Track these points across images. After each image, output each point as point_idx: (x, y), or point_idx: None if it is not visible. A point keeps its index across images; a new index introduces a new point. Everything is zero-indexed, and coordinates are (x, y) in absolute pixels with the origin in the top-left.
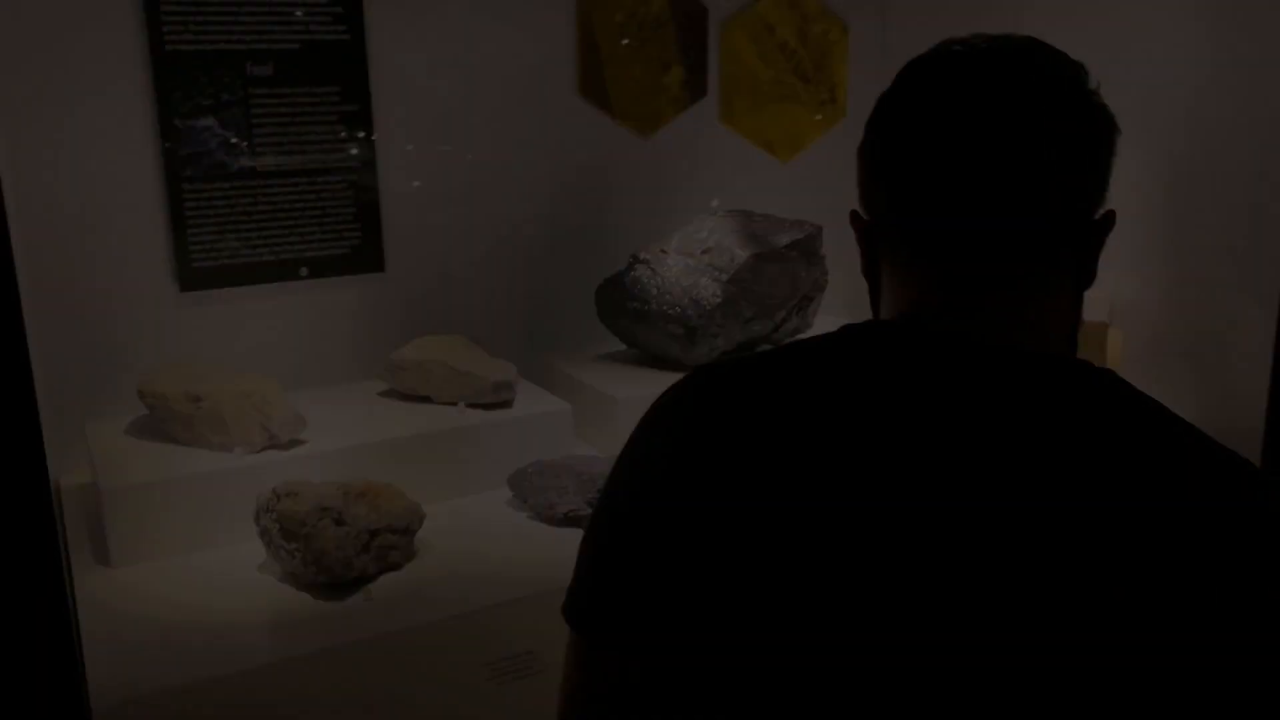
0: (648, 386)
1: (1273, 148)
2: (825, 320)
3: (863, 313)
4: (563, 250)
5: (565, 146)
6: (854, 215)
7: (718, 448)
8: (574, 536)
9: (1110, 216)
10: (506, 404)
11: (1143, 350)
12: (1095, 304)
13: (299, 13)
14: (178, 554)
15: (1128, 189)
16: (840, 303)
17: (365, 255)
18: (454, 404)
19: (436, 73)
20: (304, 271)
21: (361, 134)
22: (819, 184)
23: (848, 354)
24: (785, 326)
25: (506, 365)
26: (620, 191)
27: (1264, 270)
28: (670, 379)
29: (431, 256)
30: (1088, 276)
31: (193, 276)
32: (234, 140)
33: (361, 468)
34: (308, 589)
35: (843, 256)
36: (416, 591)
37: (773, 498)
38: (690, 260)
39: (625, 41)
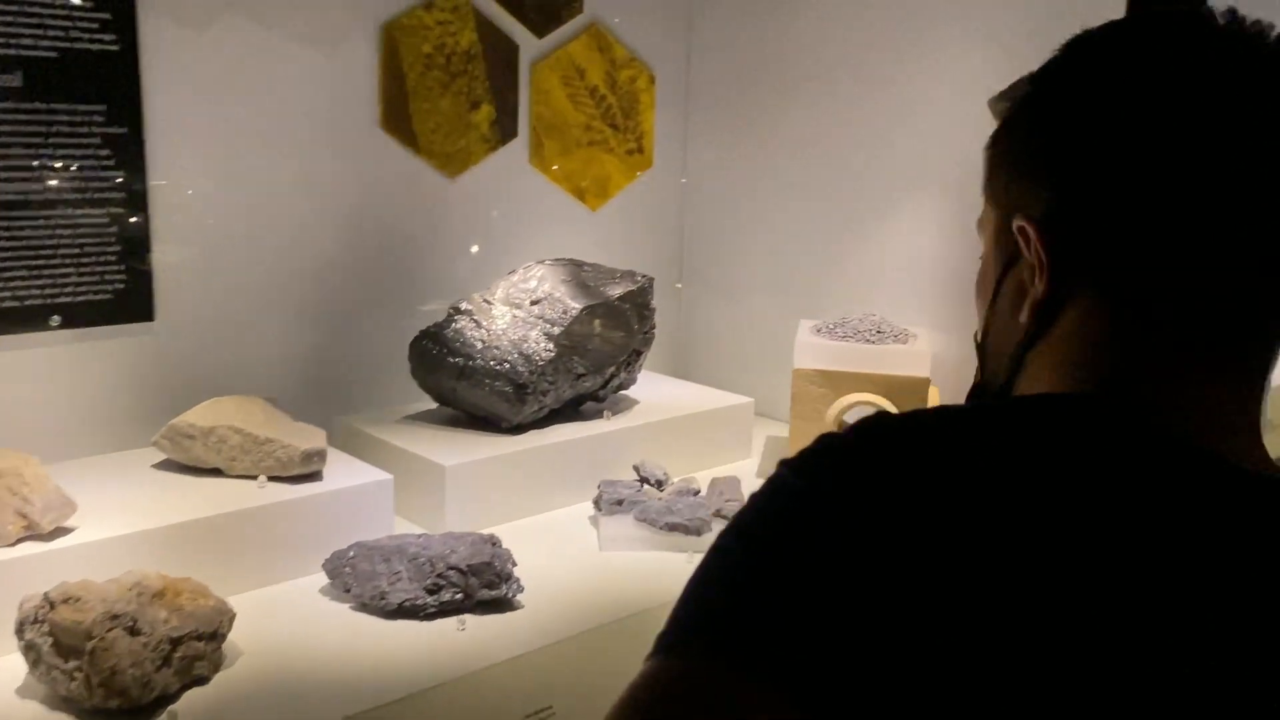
0: (475, 451)
1: None
2: (649, 377)
3: (686, 370)
4: (362, 299)
5: (366, 184)
6: (1031, 227)
7: (956, 522)
8: (413, 631)
9: None
10: (315, 476)
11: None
12: (918, 360)
13: (57, 15)
14: None
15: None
16: (662, 356)
17: (131, 302)
18: (252, 477)
19: (222, 94)
20: (55, 320)
21: (130, 160)
22: (628, 233)
23: (1088, 447)
24: (613, 382)
25: (316, 431)
26: (425, 236)
27: None
28: (497, 442)
29: (210, 304)
30: None
31: None
32: None
33: (144, 559)
34: (92, 717)
35: (660, 311)
36: (229, 709)
37: (1039, 607)
38: (518, 312)
39: (433, 74)
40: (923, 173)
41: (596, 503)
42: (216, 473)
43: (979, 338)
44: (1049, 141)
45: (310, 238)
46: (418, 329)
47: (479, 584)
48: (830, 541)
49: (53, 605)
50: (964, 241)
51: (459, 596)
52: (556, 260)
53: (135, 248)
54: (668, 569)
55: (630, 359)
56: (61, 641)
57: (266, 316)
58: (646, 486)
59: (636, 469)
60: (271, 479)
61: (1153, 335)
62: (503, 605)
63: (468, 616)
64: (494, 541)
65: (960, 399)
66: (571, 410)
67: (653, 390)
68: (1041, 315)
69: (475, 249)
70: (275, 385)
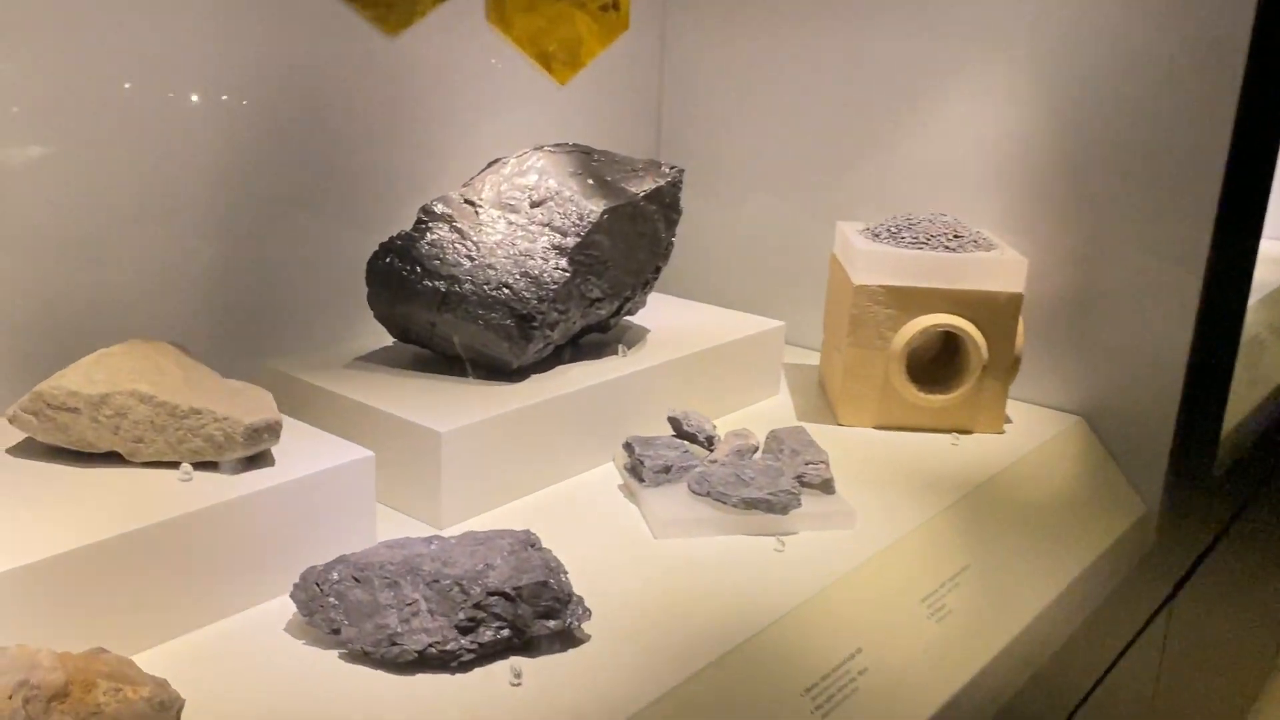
0: (471, 408)
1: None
2: (659, 300)
3: (671, 286)
4: (277, 199)
5: (280, 43)
6: None
7: None
8: (446, 690)
9: None
10: (263, 459)
11: (1051, 319)
12: (1011, 271)
13: None
14: None
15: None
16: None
17: None
18: (171, 465)
19: None
20: None
21: None
22: (600, 114)
23: None
24: (625, 309)
25: (259, 393)
26: (361, 112)
27: (1177, 229)
28: (496, 395)
29: (67, 209)
30: None
31: None
32: None
33: (19, 622)
34: None
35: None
36: None
37: None
38: (515, 217)
39: None
40: (988, 34)
41: (633, 470)
42: (114, 459)
43: None
44: None
45: (204, 117)
46: (356, 238)
47: (532, 613)
48: None
49: None
50: (1044, 122)
51: (505, 634)
52: (558, 146)
53: None
54: (753, 561)
55: (651, 278)
56: None
57: (146, 226)
58: (691, 444)
59: (675, 421)
60: (198, 467)
61: None
62: (565, 640)
63: (520, 660)
64: (533, 543)
65: (1049, 320)
66: (571, 345)
67: (660, 316)
68: None
69: (435, 131)
70: (167, 322)
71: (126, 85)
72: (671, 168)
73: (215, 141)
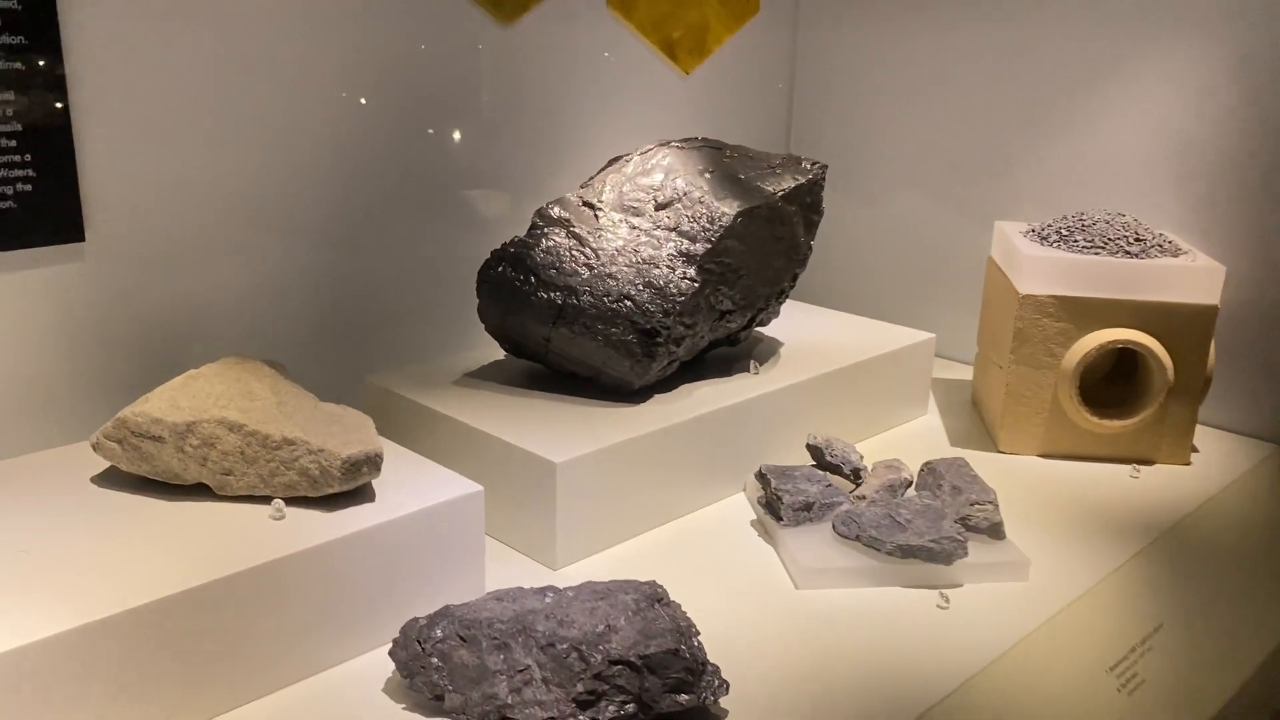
0: (589, 435)
1: None
2: (792, 308)
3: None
4: (385, 205)
5: (387, 36)
6: None
7: None
8: None
9: None
10: (363, 494)
11: (1243, 333)
12: (1205, 280)
13: None
14: None
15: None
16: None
17: (45, 212)
18: (262, 500)
19: None
20: None
21: (40, 16)
22: (726, 106)
23: None
24: (756, 321)
25: (360, 420)
26: (472, 108)
27: None
28: (615, 417)
29: (165, 218)
30: None
31: None
32: None
33: (90, 680)
34: None
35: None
36: None
37: None
38: (638, 221)
39: None
40: (1174, 13)
41: (769, 506)
42: (203, 491)
43: None
44: None
45: (308, 118)
46: (469, 244)
47: (661, 686)
48: None
49: None
50: (1239, 111)
51: (630, 709)
52: (686, 141)
53: (50, 137)
54: (913, 620)
55: (788, 286)
56: None
57: (246, 233)
58: (834, 476)
59: (816, 450)
60: (291, 503)
61: None
62: (698, 717)
63: None
64: (660, 597)
65: (1240, 334)
66: (695, 360)
67: (794, 326)
68: None
69: (545, 125)
70: (269, 331)
71: (229, 95)
72: (813, 163)
73: (316, 144)
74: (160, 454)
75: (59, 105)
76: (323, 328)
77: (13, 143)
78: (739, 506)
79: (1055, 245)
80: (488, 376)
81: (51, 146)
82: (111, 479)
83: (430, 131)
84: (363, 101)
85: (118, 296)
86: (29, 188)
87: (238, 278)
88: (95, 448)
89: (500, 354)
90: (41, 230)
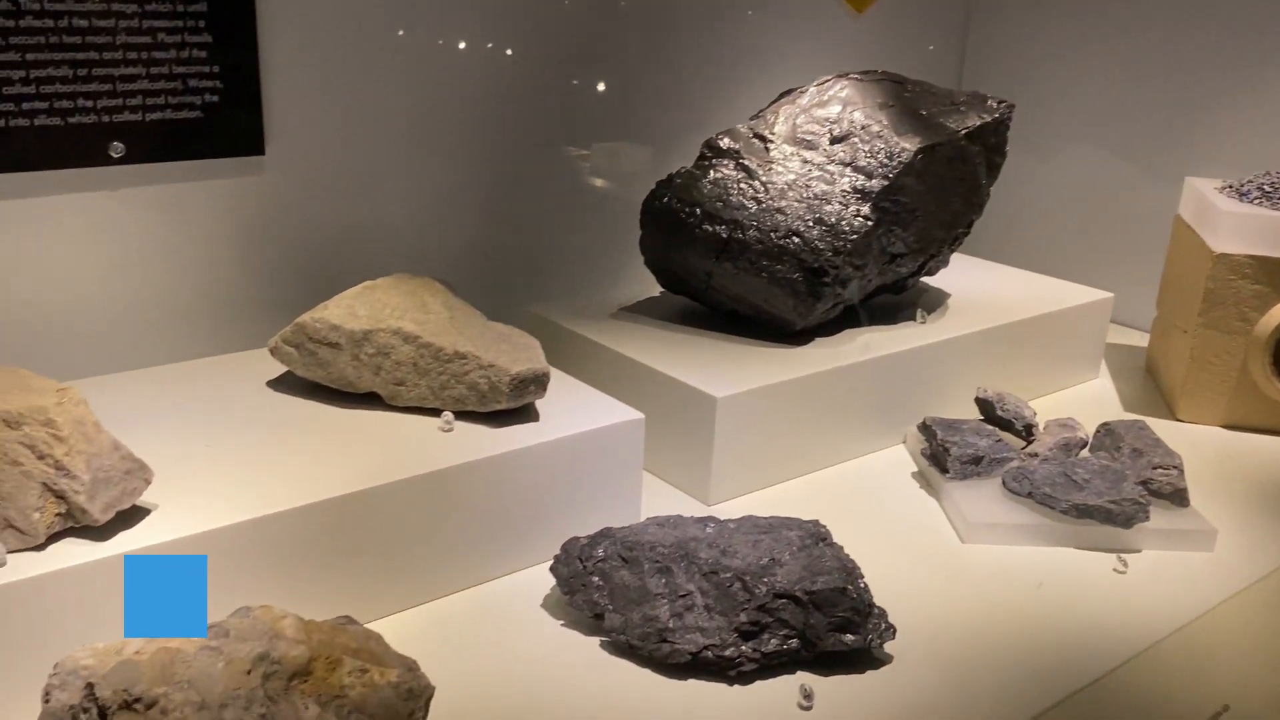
0: (749, 372)
1: None
2: (960, 261)
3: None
4: (546, 132)
5: None
6: None
7: None
8: (721, 702)
9: None
10: (527, 413)
11: None
12: None
13: None
14: None
15: None
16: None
17: (229, 127)
18: (430, 412)
19: None
20: (117, 149)
21: None
22: (898, 49)
23: None
24: (925, 268)
25: (527, 341)
26: (640, 39)
27: None
28: (776, 358)
29: (345, 134)
30: None
31: None
32: None
33: (260, 570)
34: None
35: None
36: None
37: None
38: (812, 155)
39: None
40: None
41: (934, 458)
42: (373, 400)
43: None
44: None
45: (473, 56)
46: (632, 177)
47: (826, 624)
48: None
49: (104, 713)
50: None
51: (793, 644)
52: (866, 74)
53: (235, 52)
54: (1088, 582)
55: (962, 233)
56: None
57: (413, 162)
58: (1004, 432)
59: (986, 404)
60: (459, 415)
61: None
62: (862, 659)
63: (810, 678)
64: (824, 537)
65: None
66: (861, 307)
67: (962, 279)
68: None
69: (707, 56)
70: (425, 260)
71: (400, 32)
72: (999, 102)
73: (484, 77)
74: (336, 361)
75: (247, 21)
76: (482, 257)
77: (202, 54)
78: (898, 458)
79: (1256, 202)
80: (644, 311)
81: (239, 60)
82: (286, 384)
83: (597, 63)
84: (519, 40)
85: (291, 212)
86: (215, 99)
87: (403, 203)
88: (273, 352)
89: (655, 290)
90: (225, 142)
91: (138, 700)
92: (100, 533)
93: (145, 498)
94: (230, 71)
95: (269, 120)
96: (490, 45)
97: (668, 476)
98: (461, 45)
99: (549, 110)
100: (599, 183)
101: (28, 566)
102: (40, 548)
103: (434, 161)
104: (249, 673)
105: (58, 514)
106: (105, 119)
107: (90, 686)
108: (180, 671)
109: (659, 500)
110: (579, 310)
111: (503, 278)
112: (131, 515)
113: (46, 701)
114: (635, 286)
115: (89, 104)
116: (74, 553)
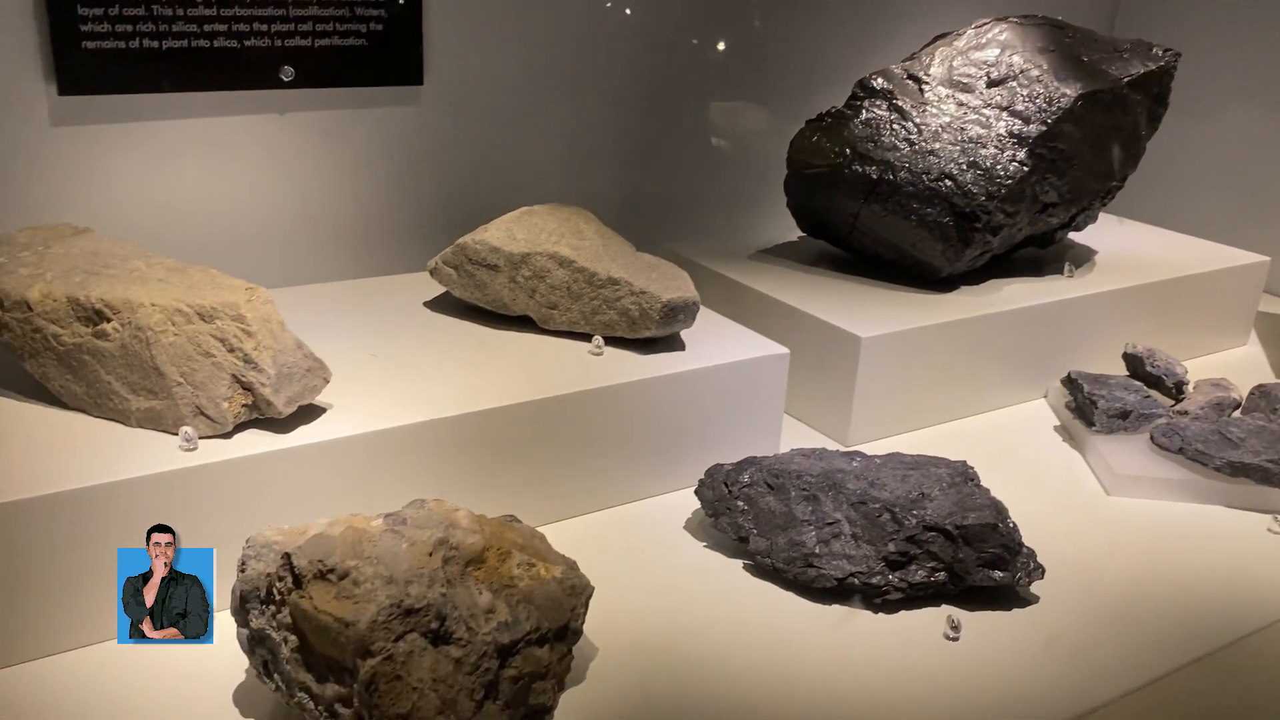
0: (893, 315)
1: None
2: (1107, 220)
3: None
4: (691, 81)
5: None
6: None
7: None
8: (866, 629)
9: None
10: (673, 342)
11: None
12: None
13: None
14: (43, 654)
15: None
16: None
17: (391, 56)
18: (581, 337)
19: None
20: (287, 73)
21: None
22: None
23: None
24: (1075, 222)
25: (676, 273)
26: None
27: None
28: (921, 303)
29: (492, 75)
30: None
31: (80, 70)
32: None
33: (426, 471)
34: None
35: None
36: None
37: None
38: (967, 98)
39: None
40: None
41: (1079, 411)
42: (525, 324)
43: None
44: None
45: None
46: (776, 119)
47: (975, 559)
48: None
49: (299, 581)
50: None
51: (941, 576)
52: (1025, 18)
53: None
54: (1239, 541)
55: (1116, 186)
56: (315, 649)
57: (563, 97)
58: (1153, 390)
59: (1135, 359)
60: (608, 341)
61: None
62: (1009, 597)
63: (957, 612)
64: (973, 477)
65: None
66: (1004, 258)
67: (1109, 237)
68: None
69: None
70: (571, 194)
71: None
72: (1165, 50)
73: (642, 22)
74: (493, 282)
75: None
76: (624, 197)
77: None
78: (1039, 411)
79: None
80: (782, 254)
81: None
82: (442, 304)
83: (747, 15)
84: None
85: (444, 143)
86: (380, 28)
87: (549, 140)
88: (432, 272)
89: (792, 235)
90: (387, 70)
91: (331, 571)
92: (282, 425)
93: (320, 398)
94: (395, 1)
95: (429, 50)
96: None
97: (804, 416)
98: None
99: (699, 58)
100: (741, 130)
101: (216, 452)
102: (228, 435)
103: (584, 102)
104: (430, 554)
105: (244, 405)
106: (278, 43)
107: (287, 556)
108: (368, 549)
109: (796, 438)
110: (717, 250)
111: (644, 217)
112: (309, 411)
113: (242, 571)
114: (772, 232)
115: (264, 28)
116: (258, 442)
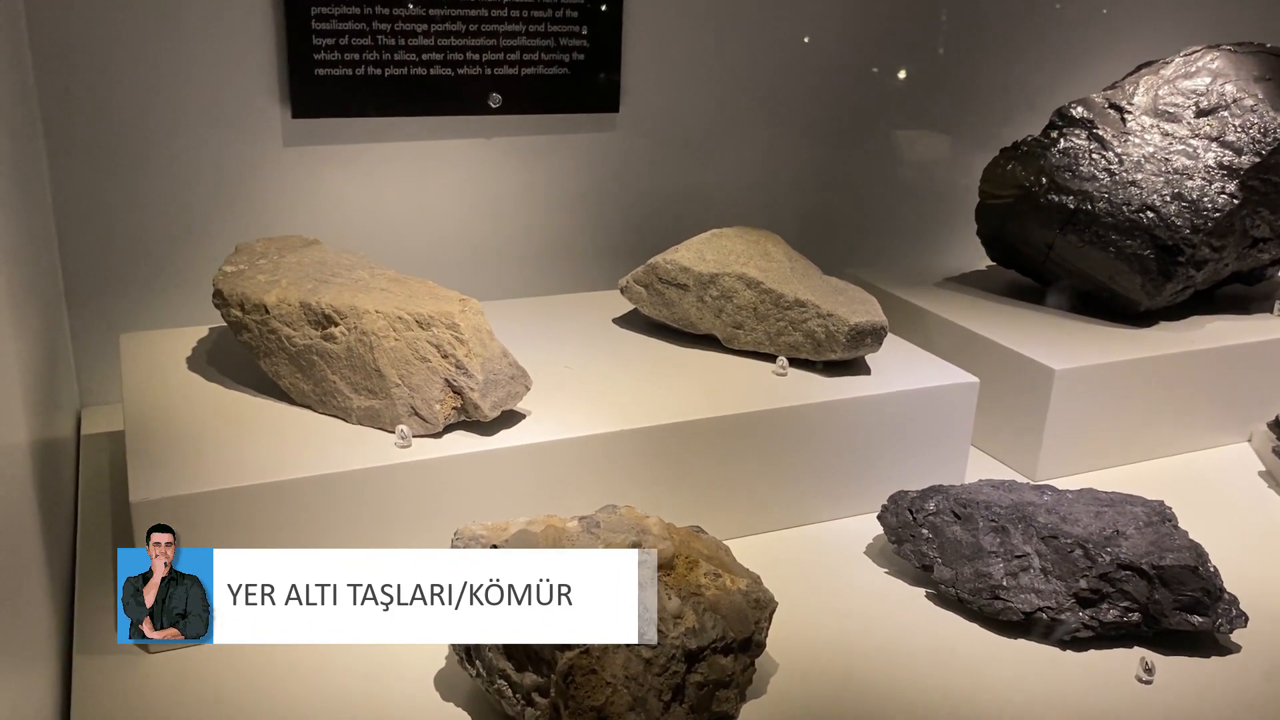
0: (1088, 348)
1: None
2: None
3: None
4: (874, 108)
5: None
6: None
7: None
8: (1052, 666)
9: None
10: (858, 365)
11: None
12: None
13: None
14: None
15: None
16: None
17: (592, 84)
18: (765, 357)
19: None
20: (495, 100)
21: None
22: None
23: None
24: None
25: (863, 296)
26: (981, 10)
27: None
28: (1117, 337)
29: (683, 103)
30: None
31: (311, 95)
32: None
33: (616, 479)
34: None
35: None
36: None
37: None
38: (1174, 128)
39: None
40: None
41: None
42: (710, 342)
43: None
44: None
45: (828, 18)
46: (968, 146)
47: (1172, 601)
48: None
49: None
50: None
51: (1135, 617)
52: (1240, 45)
53: (601, 3)
54: None
55: None
56: (525, 648)
57: (749, 125)
58: None
59: None
60: (792, 363)
61: None
62: (1207, 643)
63: (1151, 655)
64: (1169, 517)
65: None
66: (1207, 294)
67: None
68: None
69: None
70: (754, 218)
71: (755, 8)
72: None
73: (831, 54)
74: (681, 301)
75: None
76: (808, 218)
77: (574, 14)
78: (1242, 454)
79: None
80: (971, 282)
81: (605, 20)
82: (631, 321)
83: (932, 32)
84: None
85: (636, 168)
86: (582, 57)
87: (739, 167)
88: (623, 290)
89: (980, 264)
90: (586, 98)
91: None
92: (487, 428)
93: (520, 404)
94: (597, 32)
95: (626, 78)
96: (837, 27)
97: (989, 448)
98: (811, 23)
99: (884, 87)
100: (927, 158)
101: (428, 450)
102: (438, 435)
103: (773, 129)
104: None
105: (454, 407)
106: (488, 72)
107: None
108: (568, 546)
109: (981, 470)
110: (901, 276)
111: (830, 242)
112: (511, 416)
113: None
114: (958, 260)
115: (476, 57)
116: (464, 443)
